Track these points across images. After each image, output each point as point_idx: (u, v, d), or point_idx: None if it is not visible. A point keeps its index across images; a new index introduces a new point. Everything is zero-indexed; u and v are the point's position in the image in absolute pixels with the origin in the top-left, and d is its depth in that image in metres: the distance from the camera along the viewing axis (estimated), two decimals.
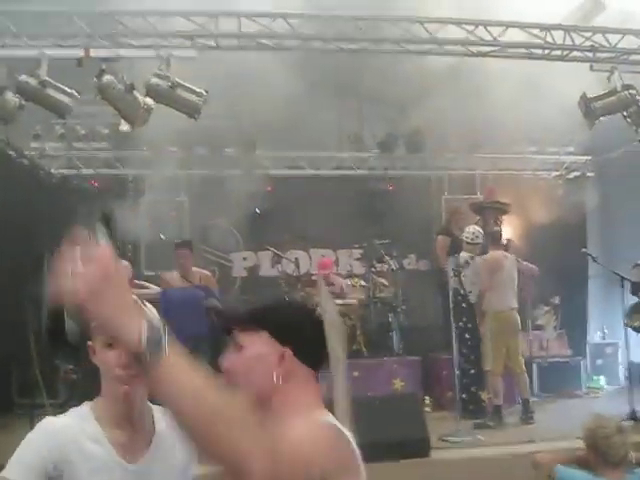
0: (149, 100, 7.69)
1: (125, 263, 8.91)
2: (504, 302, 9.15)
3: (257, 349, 2.01)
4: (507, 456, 7.14)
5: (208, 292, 8.43)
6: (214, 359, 6.90)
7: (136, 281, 9.14)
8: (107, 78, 7.43)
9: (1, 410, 9.37)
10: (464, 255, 9.55)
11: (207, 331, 8.10)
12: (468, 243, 9.61)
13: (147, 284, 9.14)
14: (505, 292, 9.20)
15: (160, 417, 2.53)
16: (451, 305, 8.96)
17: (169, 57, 7.53)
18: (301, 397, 1.97)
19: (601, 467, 4.27)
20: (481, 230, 9.74)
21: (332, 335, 1.94)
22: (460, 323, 9.29)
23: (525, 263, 9.91)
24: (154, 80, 7.53)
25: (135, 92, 7.62)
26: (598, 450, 4.21)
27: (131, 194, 12.09)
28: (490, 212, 11.14)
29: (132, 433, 2.47)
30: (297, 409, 1.94)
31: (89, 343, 2.53)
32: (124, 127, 7.98)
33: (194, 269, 8.72)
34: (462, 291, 9.45)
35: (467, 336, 9.39)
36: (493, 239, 9.73)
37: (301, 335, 2.03)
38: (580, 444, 4.41)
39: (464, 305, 9.46)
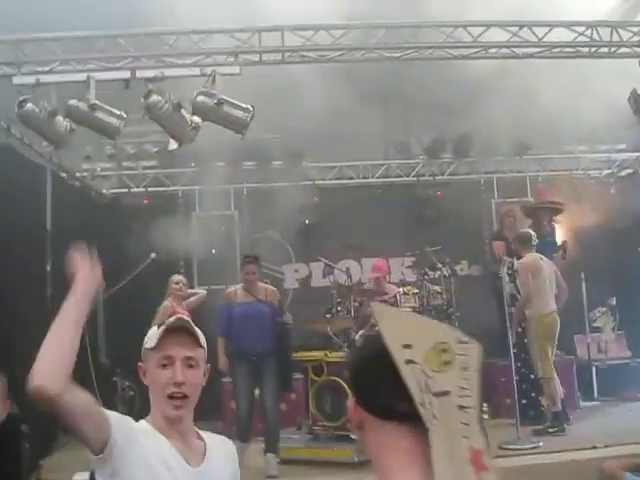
0: (196, 118, 7.77)
1: (180, 278, 9.03)
2: (547, 305, 8.98)
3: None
4: (569, 462, 7.04)
5: (273, 308, 8.20)
6: (278, 377, 6.92)
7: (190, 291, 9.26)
8: (154, 98, 7.52)
9: (63, 429, 9.50)
10: (533, 255, 9.38)
11: (273, 348, 7.93)
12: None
13: (194, 291, 9.25)
14: (546, 294, 9.03)
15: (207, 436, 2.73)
16: (507, 310, 8.86)
17: (214, 74, 7.58)
18: (381, 459, 1.72)
19: None
20: (532, 233, 9.60)
21: (406, 373, 1.63)
22: (518, 328, 9.18)
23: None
24: (200, 98, 7.60)
25: (182, 110, 7.70)
26: None
27: (181, 210, 12.22)
28: (543, 213, 10.97)
29: (187, 444, 2.60)
30: (380, 475, 1.72)
31: (139, 364, 2.64)
32: (172, 146, 8.06)
33: (259, 284, 8.41)
34: (519, 296, 9.34)
35: (525, 341, 9.27)
36: (524, 241, 9.46)
37: (358, 379, 1.77)
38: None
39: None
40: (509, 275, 9.59)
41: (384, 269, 10.75)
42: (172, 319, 2.62)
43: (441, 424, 1.61)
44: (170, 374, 2.54)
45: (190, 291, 9.20)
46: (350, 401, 1.77)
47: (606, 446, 7.42)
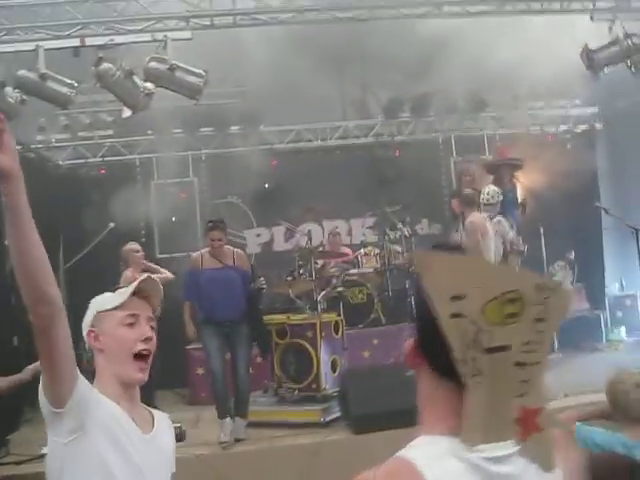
0: (149, 84, 7.68)
1: (137, 246, 8.98)
2: None
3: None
4: None
5: (243, 273, 7.80)
6: (253, 343, 6.83)
7: (146, 262, 9.18)
8: (105, 66, 7.43)
9: (28, 404, 9.48)
10: (480, 215, 9.41)
11: (245, 315, 7.74)
12: (485, 204, 9.56)
13: (158, 268, 9.13)
14: (491, 254, 9.05)
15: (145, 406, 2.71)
16: None
17: (165, 40, 7.49)
18: (426, 410, 1.62)
19: (621, 422, 4.28)
20: (497, 189, 9.68)
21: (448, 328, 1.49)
22: None
23: (512, 235, 9.76)
24: (152, 64, 7.52)
25: (134, 77, 7.62)
26: (618, 405, 4.21)
27: (140, 179, 12.12)
28: (504, 169, 11.08)
29: (136, 411, 2.58)
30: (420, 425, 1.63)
31: (90, 329, 2.60)
32: (126, 113, 7.97)
33: (226, 248, 7.93)
34: None
35: None
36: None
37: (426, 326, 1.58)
38: (602, 398, 4.41)
39: None
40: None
41: None
42: (144, 277, 2.63)
43: (488, 380, 1.48)
44: (138, 331, 2.54)
45: (155, 266, 9.13)
46: (410, 341, 1.63)
47: (566, 395, 7.56)
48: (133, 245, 9.10)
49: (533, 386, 1.50)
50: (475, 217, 9.12)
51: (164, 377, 7.98)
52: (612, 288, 13.02)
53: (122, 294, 2.59)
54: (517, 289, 1.45)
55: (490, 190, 9.69)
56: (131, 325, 2.55)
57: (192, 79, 7.65)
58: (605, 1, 8.31)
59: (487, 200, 9.55)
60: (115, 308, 2.57)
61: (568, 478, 1.61)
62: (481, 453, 1.49)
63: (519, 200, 10.84)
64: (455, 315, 1.45)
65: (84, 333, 2.60)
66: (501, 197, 9.64)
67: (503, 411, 1.49)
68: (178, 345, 9.18)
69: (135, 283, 2.59)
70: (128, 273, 8.63)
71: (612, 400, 4.20)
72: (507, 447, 1.50)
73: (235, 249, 8.08)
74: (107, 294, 2.66)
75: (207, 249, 7.90)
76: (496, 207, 9.59)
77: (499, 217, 9.68)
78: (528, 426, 1.50)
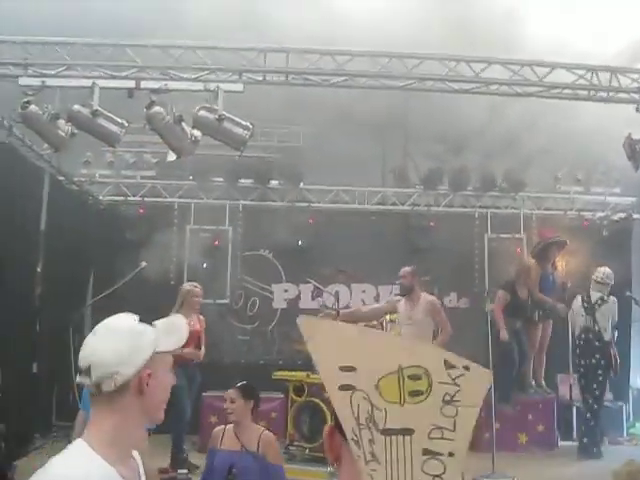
0: (196, 132, 7.84)
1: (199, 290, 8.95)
2: None
3: None
4: None
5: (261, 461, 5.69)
6: None
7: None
8: (156, 109, 7.61)
9: (40, 432, 9.52)
10: (596, 294, 10.11)
11: None
12: (598, 282, 10.17)
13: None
14: None
15: None
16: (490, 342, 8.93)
17: (217, 90, 7.67)
18: None
19: None
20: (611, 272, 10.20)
21: (338, 402, 1.38)
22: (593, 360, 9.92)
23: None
24: (201, 112, 7.68)
25: (183, 124, 7.78)
26: None
27: (176, 222, 12.27)
28: (552, 249, 11.15)
29: (129, 464, 2.35)
30: None
31: (147, 370, 2.29)
32: (171, 157, 8.13)
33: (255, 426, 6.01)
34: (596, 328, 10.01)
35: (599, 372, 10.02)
36: None
37: None
38: None
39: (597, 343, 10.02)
40: (585, 309, 10.24)
41: None
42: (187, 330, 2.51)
43: (387, 470, 1.26)
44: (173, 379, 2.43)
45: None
46: (328, 427, 1.46)
47: None
48: (195, 289, 9.04)
49: None
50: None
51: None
52: (637, 380, 12.80)
53: (178, 339, 2.43)
54: (421, 365, 1.30)
55: (607, 271, 10.24)
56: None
57: (238, 131, 7.80)
58: None
59: (602, 279, 10.17)
60: (167, 351, 2.38)
61: None
62: None
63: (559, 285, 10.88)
64: (345, 387, 1.31)
65: (128, 368, 2.25)
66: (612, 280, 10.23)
67: None
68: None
69: (186, 332, 2.48)
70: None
71: None
72: None
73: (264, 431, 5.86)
74: (149, 329, 2.36)
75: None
76: (608, 287, 10.20)
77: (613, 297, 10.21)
78: None
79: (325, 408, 7.97)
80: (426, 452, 1.25)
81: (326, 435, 1.42)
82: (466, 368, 1.32)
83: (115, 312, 2.31)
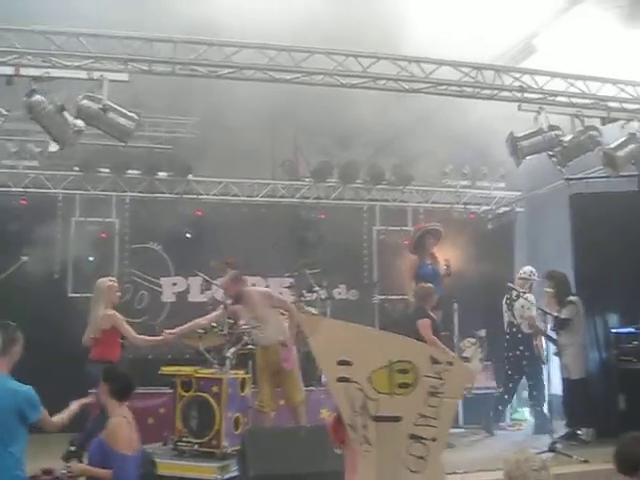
0: (79, 122, 7.58)
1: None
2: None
3: None
4: None
5: None
6: None
7: None
8: (37, 98, 7.31)
9: None
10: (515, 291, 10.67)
11: None
12: (520, 278, 10.98)
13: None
14: None
15: None
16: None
17: (102, 79, 7.45)
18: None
19: None
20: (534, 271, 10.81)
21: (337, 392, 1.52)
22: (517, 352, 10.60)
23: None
24: (85, 102, 7.44)
25: (65, 113, 7.50)
26: None
27: (60, 214, 11.91)
28: (427, 239, 11.29)
29: None
30: None
31: None
32: (53, 148, 7.82)
33: None
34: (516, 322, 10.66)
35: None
36: None
37: None
38: (499, 476, 4.45)
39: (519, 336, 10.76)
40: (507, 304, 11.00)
41: None
42: None
43: (378, 451, 1.43)
44: None
45: None
46: (333, 415, 1.64)
47: (465, 472, 7.61)
48: (115, 284, 8.77)
49: (431, 464, 1.42)
50: None
51: None
52: None
53: None
54: (409, 360, 1.40)
55: (529, 268, 11.04)
56: None
57: (124, 121, 7.59)
58: (533, 93, 8.63)
59: (522, 275, 10.94)
60: None
61: None
62: None
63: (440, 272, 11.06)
64: (342, 379, 1.42)
65: None
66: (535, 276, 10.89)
67: None
68: None
69: None
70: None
71: (519, 477, 4.24)
72: None
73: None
74: None
75: None
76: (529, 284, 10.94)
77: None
78: None
79: (213, 403, 7.89)
80: (412, 437, 1.49)
81: (332, 422, 1.67)
82: (450, 364, 1.51)
83: None
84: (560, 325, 9.70)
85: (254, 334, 8.67)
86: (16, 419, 5.27)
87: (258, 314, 8.76)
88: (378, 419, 1.41)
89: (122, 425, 5.62)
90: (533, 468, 4.29)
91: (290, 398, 8.63)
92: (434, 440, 1.44)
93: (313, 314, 8.67)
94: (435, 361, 1.43)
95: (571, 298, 9.85)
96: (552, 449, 8.25)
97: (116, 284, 8.79)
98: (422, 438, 1.38)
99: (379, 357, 1.41)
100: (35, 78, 7.41)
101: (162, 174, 12.25)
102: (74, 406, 5.92)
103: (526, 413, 12.27)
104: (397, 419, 1.41)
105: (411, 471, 1.43)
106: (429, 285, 9.97)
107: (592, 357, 9.87)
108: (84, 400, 6.12)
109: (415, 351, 1.42)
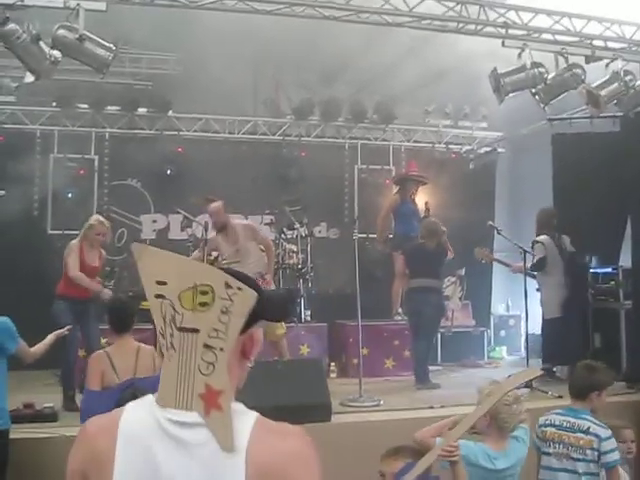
0: (56, 52, 7.41)
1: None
2: None
3: None
4: (407, 420, 7.26)
5: None
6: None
7: None
8: (11, 27, 7.12)
9: None
10: None
11: None
12: None
13: None
14: None
15: None
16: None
17: (78, 8, 7.27)
18: None
19: (489, 432, 4.40)
20: None
21: (153, 306, 1.95)
22: None
23: None
24: (61, 31, 7.27)
25: (41, 43, 7.33)
26: (498, 416, 4.34)
27: (39, 150, 11.76)
28: (411, 184, 11.37)
29: None
30: None
31: None
32: (29, 79, 7.64)
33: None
34: None
35: None
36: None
37: None
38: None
39: None
40: None
41: None
42: None
43: (178, 355, 1.81)
44: None
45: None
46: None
47: (442, 406, 7.74)
48: (99, 225, 8.23)
49: (217, 369, 1.79)
50: None
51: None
52: (498, 308, 13.40)
53: None
54: (209, 284, 1.80)
55: None
56: None
57: (101, 52, 7.43)
58: (517, 29, 8.54)
59: None
60: None
61: (256, 473, 1.76)
62: (167, 414, 1.81)
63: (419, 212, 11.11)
64: (158, 296, 1.83)
65: None
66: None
67: (190, 384, 1.80)
68: None
69: None
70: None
71: (493, 411, 4.30)
72: (193, 416, 1.80)
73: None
74: None
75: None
76: None
77: None
78: (210, 403, 1.80)
79: None
80: (205, 346, 1.80)
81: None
82: (239, 289, 1.80)
83: None
84: (531, 268, 9.70)
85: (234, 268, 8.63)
86: None
87: (241, 246, 8.78)
88: (182, 330, 1.80)
89: (93, 360, 5.62)
90: (505, 403, 4.35)
91: (271, 332, 8.66)
92: (222, 350, 1.80)
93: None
94: (228, 286, 1.78)
95: (538, 238, 9.79)
96: (528, 385, 8.35)
97: (96, 223, 8.27)
98: (213, 348, 1.79)
99: (188, 280, 1.79)
100: (8, 6, 7.21)
101: (142, 110, 12.09)
102: (50, 337, 6.06)
103: (503, 351, 12.47)
104: (196, 331, 1.79)
105: (202, 373, 1.78)
106: (434, 220, 9.99)
107: (569, 296, 9.94)
108: (59, 332, 6.23)
109: (214, 277, 1.80)
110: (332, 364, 10.20)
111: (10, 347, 5.36)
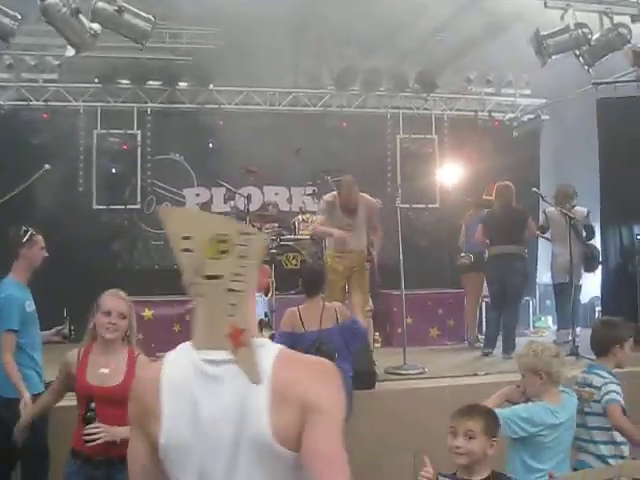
0: (95, 25, 7.48)
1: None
2: None
3: None
4: (450, 387, 7.26)
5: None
6: None
7: None
8: (52, 0, 7.21)
9: None
10: None
11: None
12: None
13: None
14: None
15: None
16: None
17: None
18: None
19: (545, 389, 4.39)
20: None
21: (181, 260, 2.08)
22: None
23: None
24: (100, 4, 7.33)
25: (81, 16, 7.40)
26: (550, 370, 4.33)
27: (82, 127, 11.88)
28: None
29: None
30: None
31: None
32: (70, 52, 7.72)
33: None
34: None
35: None
36: None
37: None
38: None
39: None
40: None
41: None
42: None
43: (207, 301, 1.97)
44: None
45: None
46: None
47: (486, 374, 7.73)
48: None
49: (240, 310, 1.96)
50: None
51: None
52: (543, 277, 13.22)
53: None
54: (226, 233, 1.95)
55: None
56: None
57: (140, 23, 7.49)
58: None
59: None
60: None
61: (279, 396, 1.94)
62: (202, 355, 1.99)
63: None
64: (185, 250, 1.96)
65: None
66: None
67: (218, 326, 1.97)
68: None
69: None
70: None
71: (538, 364, 4.31)
72: (223, 355, 1.97)
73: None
74: None
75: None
76: None
77: None
78: (237, 341, 1.96)
79: None
80: (229, 290, 1.95)
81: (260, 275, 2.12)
82: (252, 234, 1.98)
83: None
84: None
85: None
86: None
87: (357, 223, 8.59)
88: (207, 277, 1.97)
89: (287, 314, 6.46)
90: (552, 355, 4.36)
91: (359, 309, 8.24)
92: (243, 292, 1.98)
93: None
94: (242, 233, 1.98)
95: (546, 209, 9.93)
96: (574, 353, 8.28)
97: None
98: (235, 291, 1.97)
99: (208, 231, 1.98)
100: None
101: (183, 84, 12.13)
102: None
103: (549, 321, 12.34)
104: (220, 277, 1.97)
105: (228, 315, 1.97)
106: (507, 183, 9.79)
107: (616, 263, 9.77)
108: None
109: (229, 226, 2.01)
110: (376, 333, 10.18)
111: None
